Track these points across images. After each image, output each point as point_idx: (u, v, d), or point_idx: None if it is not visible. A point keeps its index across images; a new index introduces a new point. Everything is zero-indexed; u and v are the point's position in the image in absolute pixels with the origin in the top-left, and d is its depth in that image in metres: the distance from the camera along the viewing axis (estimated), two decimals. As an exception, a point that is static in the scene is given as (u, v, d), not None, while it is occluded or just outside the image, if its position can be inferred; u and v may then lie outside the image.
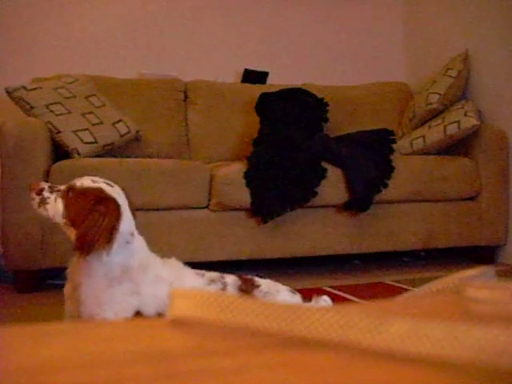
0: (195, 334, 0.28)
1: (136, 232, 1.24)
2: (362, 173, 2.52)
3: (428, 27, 3.51)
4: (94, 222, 1.14)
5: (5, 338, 0.28)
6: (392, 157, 2.66)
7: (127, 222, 1.21)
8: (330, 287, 2.28)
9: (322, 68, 3.58)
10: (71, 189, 1.22)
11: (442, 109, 2.91)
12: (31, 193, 1.24)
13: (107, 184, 1.25)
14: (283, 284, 1.34)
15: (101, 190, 1.21)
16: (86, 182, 1.23)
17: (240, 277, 1.29)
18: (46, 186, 1.25)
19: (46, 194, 1.23)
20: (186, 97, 3.07)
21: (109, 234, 1.14)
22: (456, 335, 0.23)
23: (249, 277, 1.31)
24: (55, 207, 1.21)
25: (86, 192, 1.20)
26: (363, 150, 2.63)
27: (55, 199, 1.22)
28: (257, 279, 1.30)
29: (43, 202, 1.23)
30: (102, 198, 1.18)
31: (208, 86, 3.10)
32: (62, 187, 1.24)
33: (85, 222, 1.15)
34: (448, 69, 3.00)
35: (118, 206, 1.18)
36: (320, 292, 2.21)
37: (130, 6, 3.28)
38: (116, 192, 1.23)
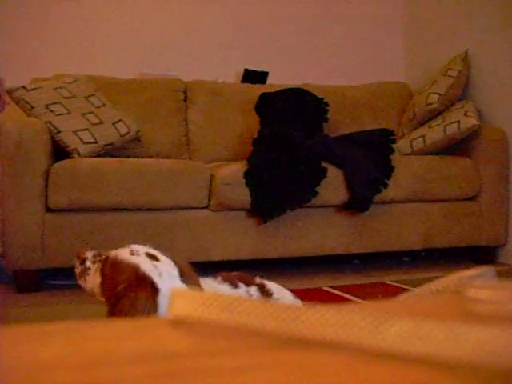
0: (195, 334, 0.28)
1: None
2: (362, 173, 2.52)
3: (428, 27, 3.51)
4: (125, 309, 0.97)
5: (5, 338, 0.28)
6: (392, 157, 2.66)
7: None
8: (330, 287, 2.28)
9: (322, 68, 3.58)
10: (107, 261, 1.07)
11: (442, 109, 2.91)
12: (75, 261, 1.11)
13: (150, 256, 1.07)
14: (283, 284, 1.34)
15: (136, 269, 1.02)
16: (123, 253, 1.06)
17: (258, 286, 1.23)
18: (90, 254, 1.11)
19: (87, 263, 1.10)
20: (185, 97, 3.07)
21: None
22: (456, 335, 0.23)
23: (260, 281, 1.27)
24: (94, 280, 1.08)
25: (119, 269, 1.03)
26: (363, 150, 2.63)
27: (95, 271, 1.08)
28: (269, 287, 1.27)
29: (84, 272, 1.09)
30: (135, 280, 1.01)
31: (208, 86, 3.10)
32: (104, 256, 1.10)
33: (116, 307, 0.99)
34: (448, 69, 3.00)
35: (153, 292, 1.00)
36: (320, 292, 2.21)
37: (130, 5, 3.28)
38: (158, 268, 1.04)
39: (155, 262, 1.05)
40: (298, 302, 1.27)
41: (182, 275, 1.07)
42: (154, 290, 1.00)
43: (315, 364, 0.24)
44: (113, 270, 1.03)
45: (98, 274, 1.07)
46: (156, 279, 1.01)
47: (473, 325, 0.23)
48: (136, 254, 1.05)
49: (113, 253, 1.07)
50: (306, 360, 0.24)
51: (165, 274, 1.04)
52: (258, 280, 1.26)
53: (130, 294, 0.99)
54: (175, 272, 1.06)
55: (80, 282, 1.10)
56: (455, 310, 0.33)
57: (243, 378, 0.23)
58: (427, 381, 0.22)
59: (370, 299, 2.01)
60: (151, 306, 0.97)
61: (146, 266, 1.03)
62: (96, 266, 1.08)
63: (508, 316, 0.29)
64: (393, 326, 0.24)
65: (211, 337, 0.28)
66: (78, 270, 1.11)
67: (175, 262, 1.09)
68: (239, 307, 0.28)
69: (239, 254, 2.46)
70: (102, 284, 1.05)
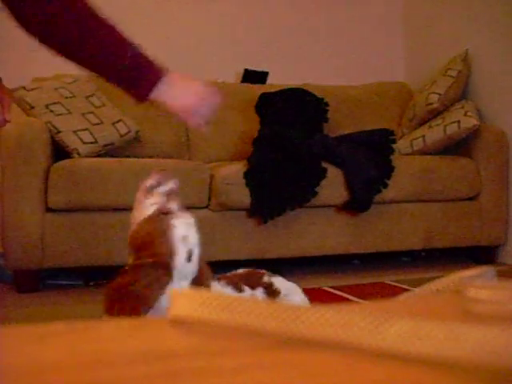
0: (195, 334, 0.28)
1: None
2: (362, 173, 2.52)
3: (428, 27, 3.51)
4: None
5: (5, 338, 0.28)
6: (392, 157, 2.66)
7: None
8: (330, 287, 2.28)
9: (322, 68, 3.58)
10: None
11: (442, 109, 2.91)
12: None
13: None
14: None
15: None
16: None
17: (265, 288, 1.21)
18: None
19: None
20: (185, 97, 3.06)
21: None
22: (456, 335, 0.23)
23: (268, 280, 1.24)
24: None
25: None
26: (363, 150, 2.63)
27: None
28: (276, 286, 1.23)
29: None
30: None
31: (208, 86, 3.09)
32: None
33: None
34: (448, 69, 3.00)
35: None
36: (320, 292, 2.21)
37: (129, 5, 3.28)
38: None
39: None
40: (306, 301, 1.24)
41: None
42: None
43: (315, 364, 0.24)
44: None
45: None
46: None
47: (473, 325, 0.23)
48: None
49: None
50: (306, 360, 0.24)
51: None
52: (265, 278, 1.22)
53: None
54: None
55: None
56: (455, 310, 0.33)
57: (243, 377, 0.23)
58: (427, 381, 0.22)
59: (370, 299, 2.01)
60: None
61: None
62: None
63: (508, 316, 0.29)
64: (393, 326, 0.24)
65: (211, 337, 0.28)
66: None
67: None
68: (239, 307, 0.28)
69: (239, 254, 2.46)
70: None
